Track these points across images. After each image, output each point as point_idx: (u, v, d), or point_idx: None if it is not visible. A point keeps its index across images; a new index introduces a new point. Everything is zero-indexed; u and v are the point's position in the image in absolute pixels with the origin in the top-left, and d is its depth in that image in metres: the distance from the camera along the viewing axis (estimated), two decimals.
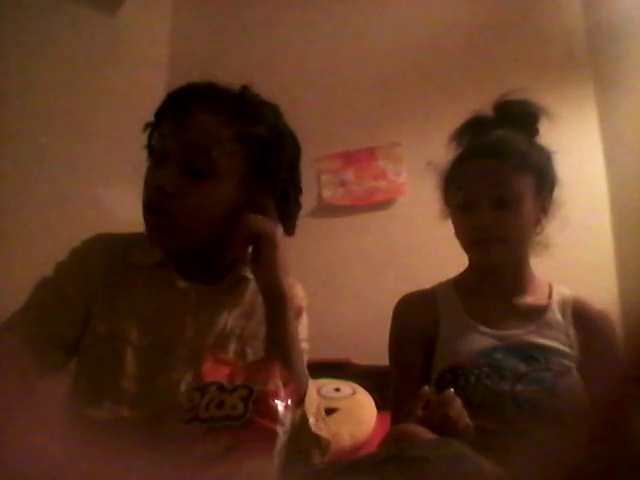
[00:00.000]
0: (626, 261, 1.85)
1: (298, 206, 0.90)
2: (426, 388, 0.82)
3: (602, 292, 1.58)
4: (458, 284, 1.10)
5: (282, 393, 0.60)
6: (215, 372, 0.64)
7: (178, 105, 0.81)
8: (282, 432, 0.58)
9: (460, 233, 1.04)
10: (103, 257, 0.84)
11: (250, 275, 0.88)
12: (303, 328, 0.92)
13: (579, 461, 0.39)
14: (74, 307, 0.80)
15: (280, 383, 0.61)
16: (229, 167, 0.81)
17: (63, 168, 1.81)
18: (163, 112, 0.84)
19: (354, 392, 1.66)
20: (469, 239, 1.01)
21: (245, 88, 0.86)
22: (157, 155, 0.82)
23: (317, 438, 0.78)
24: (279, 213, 0.87)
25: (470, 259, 1.07)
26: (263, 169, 0.84)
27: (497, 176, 0.98)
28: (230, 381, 0.62)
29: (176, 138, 0.80)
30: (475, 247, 1.01)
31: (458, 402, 0.79)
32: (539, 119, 1.06)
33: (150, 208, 0.80)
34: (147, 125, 0.87)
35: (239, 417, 0.57)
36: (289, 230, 0.88)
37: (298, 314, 0.91)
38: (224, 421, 0.57)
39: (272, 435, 0.57)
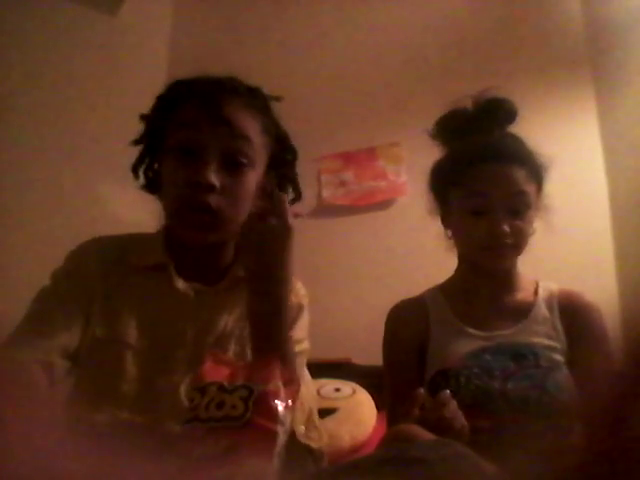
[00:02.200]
0: (626, 261, 1.85)
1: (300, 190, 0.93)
2: (421, 390, 0.83)
3: (602, 292, 1.58)
4: (445, 289, 1.11)
5: (282, 393, 0.60)
6: (215, 372, 0.64)
7: (207, 98, 0.79)
8: (282, 432, 0.58)
9: (470, 237, 1.02)
10: (99, 260, 0.83)
11: None
12: (303, 326, 0.91)
13: (574, 457, 0.39)
14: (74, 315, 0.79)
15: (280, 383, 0.61)
16: (260, 158, 0.83)
17: (63, 167, 1.82)
18: (175, 103, 0.82)
19: (354, 392, 1.66)
20: (483, 244, 0.99)
21: (234, 79, 0.85)
22: (185, 149, 0.79)
23: (308, 448, 0.76)
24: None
25: (477, 262, 1.05)
26: (277, 159, 0.87)
27: (515, 184, 0.98)
28: (230, 381, 0.62)
29: (215, 131, 0.78)
30: (488, 252, 1.00)
31: (453, 403, 0.80)
32: (515, 119, 1.07)
33: (195, 206, 0.77)
34: (152, 116, 0.86)
35: (239, 417, 0.57)
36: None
37: (299, 312, 0.90)
38: (224, 421, 0.57)
39: (272, 435, 0.57)
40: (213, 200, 0.77)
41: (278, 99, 0.89)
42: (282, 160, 0.88)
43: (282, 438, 0.58)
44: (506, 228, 0.96)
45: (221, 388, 0.60)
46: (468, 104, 1.07)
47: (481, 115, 1.05)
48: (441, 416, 0.77)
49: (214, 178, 0.76)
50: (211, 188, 0.76)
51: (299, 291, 0.93)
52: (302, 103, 2.19)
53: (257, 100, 0.84)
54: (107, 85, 2.00)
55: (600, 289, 1.63)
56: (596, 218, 1.92)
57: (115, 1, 2.07)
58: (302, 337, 0.90)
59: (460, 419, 0.79)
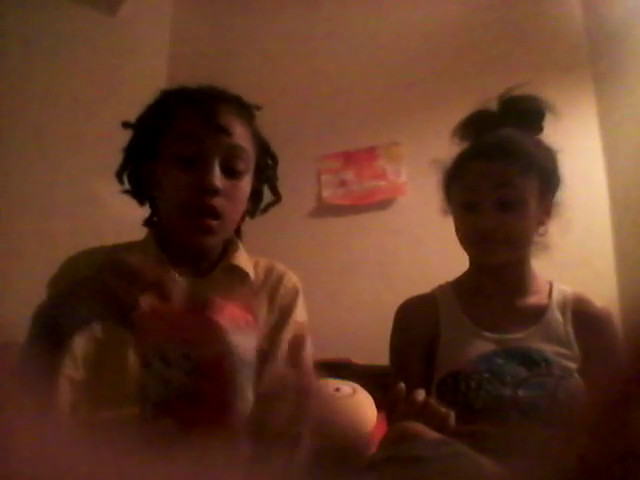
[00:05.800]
0: (626, 261, 1.85)
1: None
2: (401, 385, 0.81)
3: (602, 292, 1.57)
4: (457, 287, 1.09)
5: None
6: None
7: (203, 107, 0.82)
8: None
9: (462, 232, 1.02)
10: (89, 269, 0.83)
11: (241, 263, 0.89)
12: (302, 310, 0.94)
13: (579, 463, 0.38)
14: (77, 328, 0.79)
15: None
16: (252, 164, 0.88)
17: (63, 167, 1.82)
18: (169, 112, 0.84)
19: (354, 392, 1.66)
20: (472, 239, 1.00)
21: (219, 88, 0.88)
22: (187, 156, 0.82)
23: None
24: (257, 202, 0.95)
25: (471, 258, 1.05)
26: (261, 164, 0.91)
27: (501, 177, 0.96)
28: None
29: (216, 140, 0.81)
30: (477, 247, 1.00)
31: (425, 398, 0.79)
32: (544, 116, 1.05)
33: (202, 209, 0.81)
34: (143, 124, 0.88)
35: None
36: (255, 215, 0.97)
37: (296, 296, 0.93)
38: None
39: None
40: (218, 203, 0.81)
41: (259, 108, 0.92)
42: (265, 165, 0.94)
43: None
44: (490, 222, 0.95)
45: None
46: (492, 105, 1.05)
47: (503, 115, 1.04)
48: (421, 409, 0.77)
49: (218, 182, 0.80)
50: (216, 192, 0.80)
51: (291, 278, 0.95)
52: (302, 103, 2.19)
53: (244, 109, 0.88)
54: (106, 84, 2.00)
55: (600, 289, 1.63)
56: (596, 218, 1.92)
57: (115, 1, 2.07)
58: (303, 319, 0.93)
59: (438, 411, 0.78)
